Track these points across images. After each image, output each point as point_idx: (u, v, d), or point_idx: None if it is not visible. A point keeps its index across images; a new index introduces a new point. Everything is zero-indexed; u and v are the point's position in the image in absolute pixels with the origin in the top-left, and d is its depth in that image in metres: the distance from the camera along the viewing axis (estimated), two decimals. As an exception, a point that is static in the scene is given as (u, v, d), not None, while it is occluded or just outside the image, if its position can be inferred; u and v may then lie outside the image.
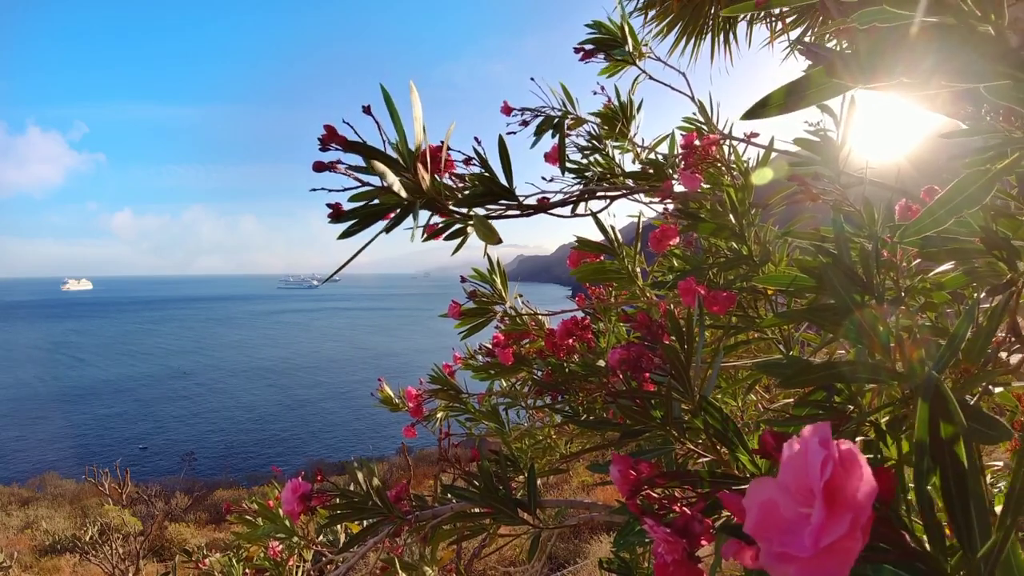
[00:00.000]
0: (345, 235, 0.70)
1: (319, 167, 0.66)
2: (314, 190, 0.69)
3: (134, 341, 60.57)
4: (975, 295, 0.82)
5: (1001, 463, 1.15)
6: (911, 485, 0.37)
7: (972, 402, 0.58)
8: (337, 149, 0.67)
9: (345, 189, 0.70)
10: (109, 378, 40.45)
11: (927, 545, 0.33)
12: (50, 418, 29.92)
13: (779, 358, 1.13)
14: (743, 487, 0.41)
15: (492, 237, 0.74)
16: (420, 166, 0.71)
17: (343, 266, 0.71)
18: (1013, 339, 0.67)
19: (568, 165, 1.53)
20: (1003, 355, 0.67)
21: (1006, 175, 0.52)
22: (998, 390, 0.73)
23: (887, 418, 0.56)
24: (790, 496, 0.29)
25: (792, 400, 1.35)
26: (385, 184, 0.66)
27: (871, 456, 0.49)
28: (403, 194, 0.68)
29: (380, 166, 0.66)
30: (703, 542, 0.39)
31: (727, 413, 0.63)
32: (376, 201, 0.71)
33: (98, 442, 26.10)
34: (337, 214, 0.69)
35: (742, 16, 3.46)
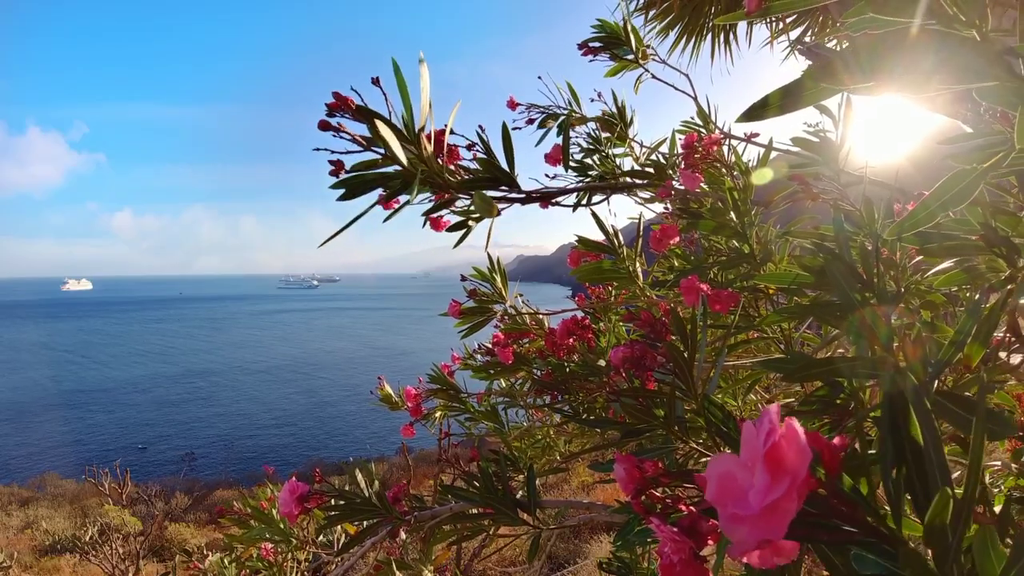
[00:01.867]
0: (345, 197, 0.71)
1: (324, 126, 0.66)
2: (317, 150, 0.69)
3: (139, 341, 60.53)
4: (970, 295, 0.82)
5: (999, 463, 1.15)
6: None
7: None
8: (344, 117, 0.67)
9: (348, 152, 0.70)
10: (118, 379, 40.25)
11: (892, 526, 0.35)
12: (62, 419, 29.74)
13: (781, 356, 1.13)
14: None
15: (490, 209, 0.74)
16: (423, 138, 0.71)
17: (344, 228, 0.70)
18: (1013, 339, 0.67)
19: (570, 164, 1.54)
20: (1003, 355, 0.68)
21: (996, 171, 0.52)
22: (996, 390, 0.73)
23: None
24: (745, 469, 0.33)
25: (792, 399, 1.35)
26: (388, 152, 0.66)
27: (872, 452, 0.49)
28: (404, 162, 0.68)
29: (385, 131, 0.66)
30: (709, 541, 0.40)
31: (729, 412, 0.63)
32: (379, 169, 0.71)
33: (114, 443, 25.98)
34: (339, 171, 0.69)
35: (742, 16, 3.46)
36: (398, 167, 0.70)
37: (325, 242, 0.73)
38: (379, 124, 0.66)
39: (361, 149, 0.70)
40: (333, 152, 0.70)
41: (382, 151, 0.70)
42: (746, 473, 0.33)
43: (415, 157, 0.72)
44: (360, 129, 0.70)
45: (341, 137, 0.69)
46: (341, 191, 0.72)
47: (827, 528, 0.35)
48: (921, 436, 0.35)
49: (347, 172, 0.72)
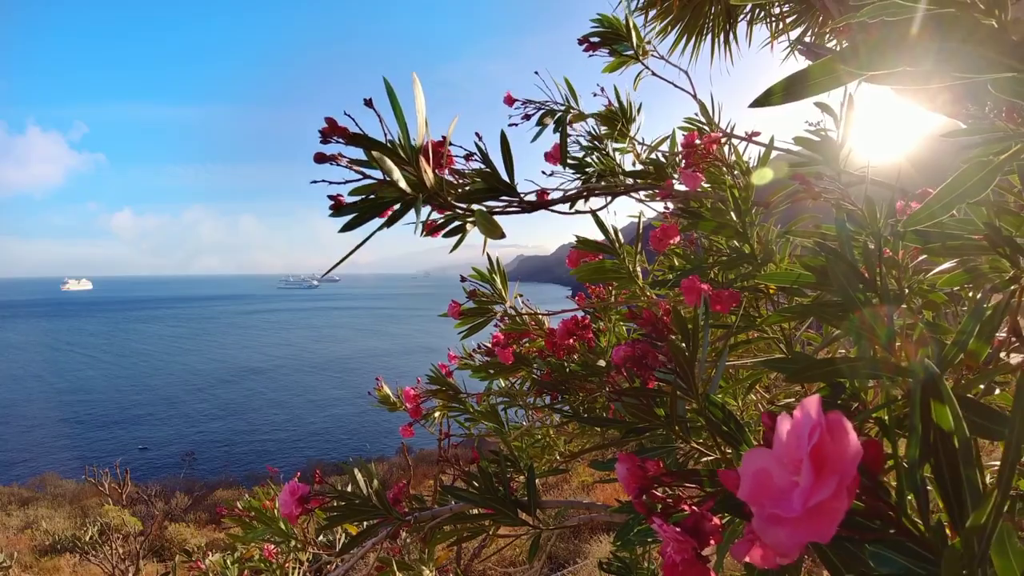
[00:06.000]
0: (346, 228, 0.70)
1: (320, 159, 0.65)
2: (315, 182, 0.68)
3: (141, 341, 60.29)
4: (971, 295, 0.81)
5: (1000, 463, 1.15)
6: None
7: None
8: (338, 142, 0.66)
9: (347, 181, 0.69)
10: (131, 380, 39.87)
11: (921, 527, 0.34)
12: (62, 423, 29.37)
13: (783, 356, 1.13)
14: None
15: (495, 231, 0.73)
16: (423, 160, 0.70)
17: (346, 257, 0.70)
18: (1014, 339, 0.67)
19: (568, 162, 1.53)
20: (1003, 355, 0.67)
21: (1003, 171, 0.52)
22: (997, 391, 0.72)
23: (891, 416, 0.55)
24: (782, 465, 0.31)
25: (793, 399, 1.35)
26: (388, 178, 0.65)
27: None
28: (406, 189, 0.67)
29: (384, 159, 0.65)
30: (711, 541, 0.39)
31: (731, 411, 0.63)
32: (377, 194, 0.70)
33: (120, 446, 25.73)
34: (339, 206, 0.68)
35: (742, 16, 3.46)
36: (399, 190, 0.69)
37: (335, 266, 0.73)
38: (381, 156, 0.65)
39: (360, 177, 0.69)
40: (331, 184, 0.69)
41: (379, 175, 0.69)
42: (782, 469, 0.30)
43: (414, 178, 0.72)
44: (356, 152, 0.69)
45: (339, 165, 0.68)
46: (339, 217, 0.71)
47: (857, 526, 0.34)
48: (954, 429, 0.33)
49: (347, 197, 0.71)
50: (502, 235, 0.75)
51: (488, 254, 1.61)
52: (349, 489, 1.27)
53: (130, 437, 27.03)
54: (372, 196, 0.70)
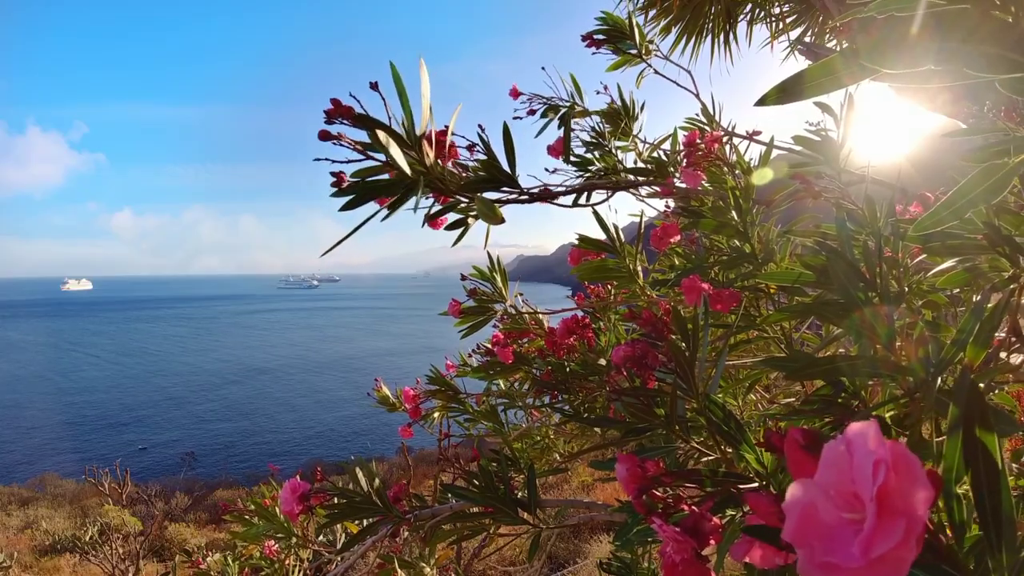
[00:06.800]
0: (347, 207, 0.70)
1: (324, 136, 0.66)
2: (318, 159, 0.69)
3: (144, 340, 60.24)
4: (972, 296, 0.81)
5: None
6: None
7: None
8: (343, 123, 0.67)
9: (349, 161, 0.70)
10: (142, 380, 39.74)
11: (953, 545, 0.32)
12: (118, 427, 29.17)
13: (783, 355, 1.13)
14: (752, 486, 0.41)
15: (494, 217, 0.73)
16: (425, 144, 0.70)
17: (349, 235, 0.70)
18: (1014, 339, 0.67)
19: (571, 159, 1.54)
20: (1003, 355, 0.67)
21: (1018, 173, 0.51)
22: (996, 391, 0.72)
23: (891, 414, 0.55)
24: (830, 500, 0.27)
25: (793, 399, 1.35)
26: (390, 160, 0.66)
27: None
28: (407, 170, 0.68)
29: (386, 139, 0.65)
30: (711, 541, 0.39)
31: (731, 411, 0.63)
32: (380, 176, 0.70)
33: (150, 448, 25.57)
34: (340, 183, 0.69)
35: (742, 16, 3.46)
36: (400, 173, 0.70)
37: (329, 250, 0.73)
38: (381, 134, 0.66)
39: (363, 158, 0.70)
40: (333, 162, 0.70)
41: (383, 158, 0.69)
42: (830, 505, 0.27)
43: (416, 162, 0.72)
44: (360, 135, 0.69)
45: (342, 145, 0.68)
46: (342, 198, 0.72)
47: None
48: (995, 440, 0.31)
49: (349, 179, 0.71)
50: (502, 220, 0.75)
51: (488, 253, 1.62)
52: (350, 487, 1.28)
53: (132, 437, 26.97)
54: (374, 177, 0.70)
